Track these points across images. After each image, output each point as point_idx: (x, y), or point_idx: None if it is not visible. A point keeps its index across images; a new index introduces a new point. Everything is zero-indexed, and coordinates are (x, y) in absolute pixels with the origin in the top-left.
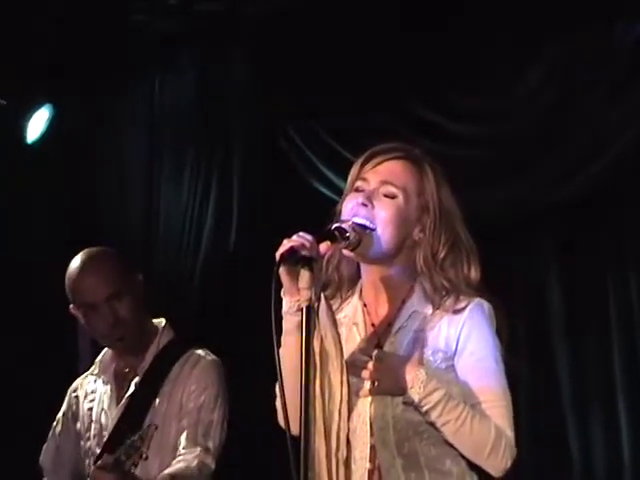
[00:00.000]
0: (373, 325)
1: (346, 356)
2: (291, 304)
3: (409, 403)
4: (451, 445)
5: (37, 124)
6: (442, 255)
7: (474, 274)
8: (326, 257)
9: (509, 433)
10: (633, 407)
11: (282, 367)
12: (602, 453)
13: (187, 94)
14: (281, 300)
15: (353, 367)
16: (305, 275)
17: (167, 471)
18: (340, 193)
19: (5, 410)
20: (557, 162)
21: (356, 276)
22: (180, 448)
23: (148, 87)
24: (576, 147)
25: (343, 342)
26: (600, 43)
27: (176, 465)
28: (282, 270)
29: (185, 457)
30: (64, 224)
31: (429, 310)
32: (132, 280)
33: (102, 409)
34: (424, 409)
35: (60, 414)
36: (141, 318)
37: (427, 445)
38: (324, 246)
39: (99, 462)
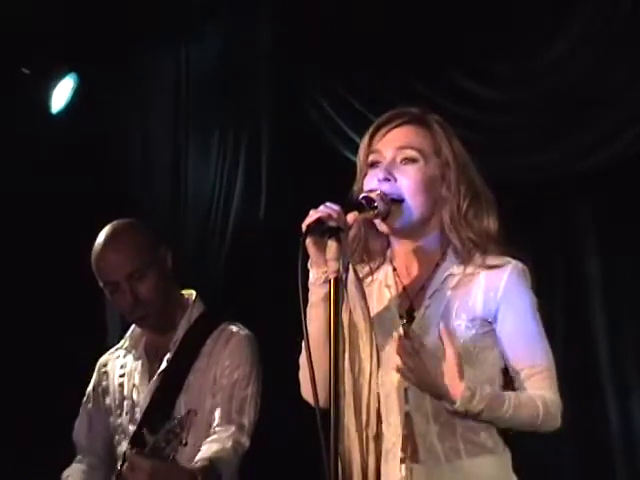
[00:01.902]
0: (404, 289)
1: (376, 318)
2: (318, 275)
3: (450, 410)
4: None
5: (61, 94)
6: (465, 207)
7: (493, 225)
8: (353, 234)
9: (554, 397)
10: None
11: (308, 339)
12: None
13: (214, 62)
14: (308, 272)
15: (384, 332)
16: (332, 246)
17: (204, 455)
18: None
19: (31, 389)
20: (592, 128)
21: (385, 249)
22: (214, 425)
23: (174, 56)
24: (612, 112)
25: (373, 310)
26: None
27: (211, 447)
28: (309, 241)
29: (220, 436)
30: (89, 196)
31: (461, 269)
32: (156, 256)
33: (133, 385)
34: (468, 416)
35: (90, 389)
36: (167, 294)
37: None
38: (351, 216)
39: (136, 449)
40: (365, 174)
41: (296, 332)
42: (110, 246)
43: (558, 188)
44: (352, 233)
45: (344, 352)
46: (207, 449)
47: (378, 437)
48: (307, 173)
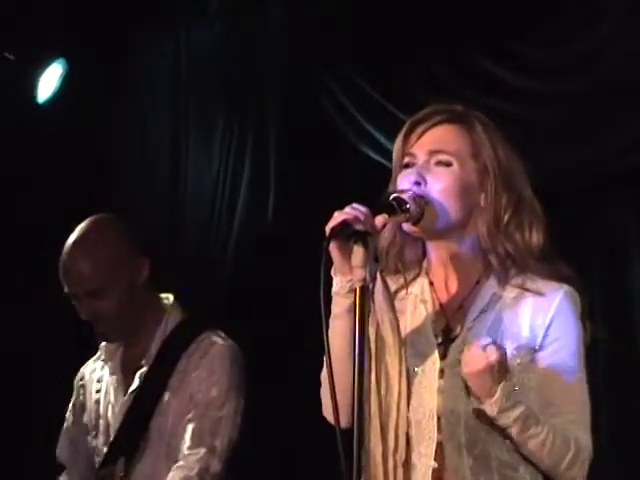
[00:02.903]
0: (441, 305)
1: (409, 336)
2: (342, 284)
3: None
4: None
5: (49, 82)
6: (506, 220)
7: (536, 239)
8: (388, 241)
9: (587, 442)
10: None
11: (330, 354)
12: None
13: (216, 46)
14: (331, 279)
15: (418, 352)
16: (359, 252)
17: None
18: (391, 156)
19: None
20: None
21: (422, 258)
22: (184, 448)
23: (172, 39)
24: None
25: (406, 326)
26: None
27: (174, 476)
28: (333, 246)
29: (187, 460)
30: (78, 193)
31: (504, 290)
32: (125, 267)
33: (109, 402)
34: (499, 423)
35: (70, 404)
36: (134, 309)
37: (501, 449)
38: (380, 219)
39: None
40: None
41: (310, 345)
42: (73, 256)
43: (599, 189)
44: (387, 238)
45: (370, 369)
46: (170, 478)
47: (407, 464)
48: (321, 170)
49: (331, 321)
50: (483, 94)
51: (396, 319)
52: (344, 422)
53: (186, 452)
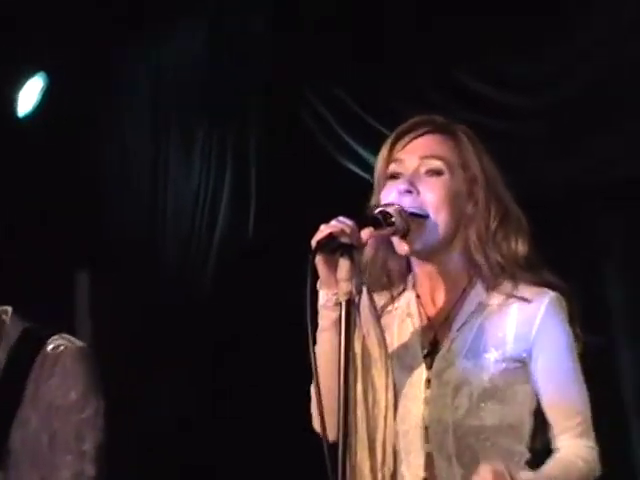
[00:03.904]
0: (429, 318)
1: (396, 350)
2: (328, 297)
3: None
4: (518, 455)
5: (29, 95)
6: (494, 228)
7: (522, 249)
8: (370, 256)
9: (590, 444)
10: None
11: (317, 368)
12: None
13: (197, 56)
14: (316, 293)
15: (404, 365)
16: (345, 265)
17: None
18: (371, 170)
19: None
20: (617, 136)
21: (406, 270)
22: (53, 457)
23: (151, 50)
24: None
25: (393, 340)
26: None
27: None
28: (319, 259)
29: (58, 469)
30: (57, 209)
31: (490, 298)
32: None
33: None
34: None
35: None
36: None
37: (492, 455)
38: (366, 232)
39: None
40: (383, 186)
41: (291, 359)
42: None
43: (577, 204)
44: (369, 255)
45: (355, 382)
46: None
47: (396, 475)
48: (302, 184)
49: (318, 334)
50: (465, 108)
51: (382, 332)
52: (333, 436)
53: (56, 461)
